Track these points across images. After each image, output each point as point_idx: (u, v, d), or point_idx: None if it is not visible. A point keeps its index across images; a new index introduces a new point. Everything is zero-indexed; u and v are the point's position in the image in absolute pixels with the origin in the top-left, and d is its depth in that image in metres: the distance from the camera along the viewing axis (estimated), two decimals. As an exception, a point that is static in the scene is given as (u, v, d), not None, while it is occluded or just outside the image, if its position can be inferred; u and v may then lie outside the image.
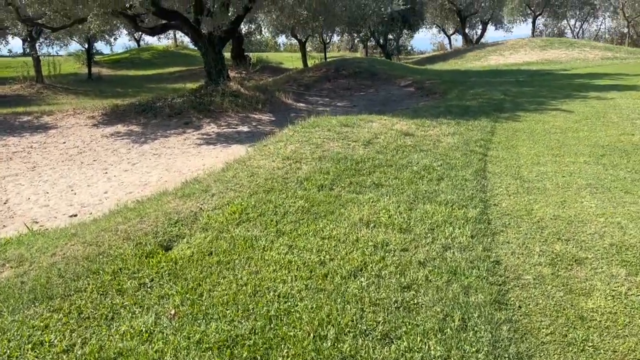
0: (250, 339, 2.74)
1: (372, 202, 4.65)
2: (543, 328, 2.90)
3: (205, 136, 10.83)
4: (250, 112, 12.92)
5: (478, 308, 3.03)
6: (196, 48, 18.55)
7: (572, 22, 43.98)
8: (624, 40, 38.11)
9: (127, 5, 10.79)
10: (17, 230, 5.22)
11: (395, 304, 3.06)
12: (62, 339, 2.79)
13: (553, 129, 7.94)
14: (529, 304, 3.13)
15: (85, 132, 11.55)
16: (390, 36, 34.69)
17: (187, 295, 3.16)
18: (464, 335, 2.80)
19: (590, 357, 2.69)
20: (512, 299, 3.19)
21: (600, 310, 3.06)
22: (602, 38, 43.17)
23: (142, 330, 2.83)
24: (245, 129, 11.46)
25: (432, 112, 9.24)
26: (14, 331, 2.87)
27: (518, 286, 3.33)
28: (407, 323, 2.88)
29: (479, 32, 41.29)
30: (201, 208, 4.53)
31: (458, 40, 43.39)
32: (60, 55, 30.32)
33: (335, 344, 2.70)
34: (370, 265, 3.51)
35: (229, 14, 13.69)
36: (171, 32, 34.88)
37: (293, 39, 30.37)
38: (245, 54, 26.23)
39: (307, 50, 32.06)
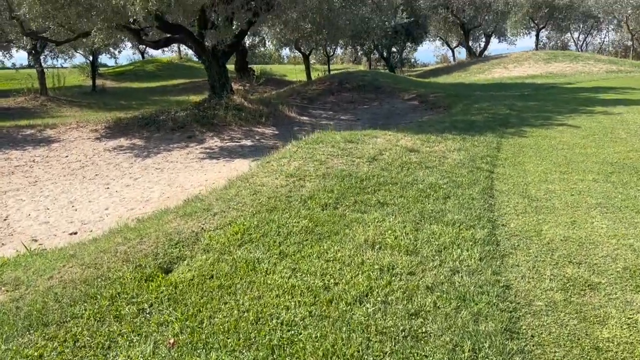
0: (252, 371, 2.63)
1: (378, 222, 4.55)
2: (557, 359, 2.79)
3: (208, 150, 10.77)
4: (254, 126, 12.86)
5: (489, 337, 2.92)
6: (200, 61, 18.56)
7: (575, 35, 44.03)
8: (628, 53, 38.09)
9: (131, 19, 10.78)
10: (16, 249, 5.14)
11: (403, 333, 2.95)
12: (57, 370, 2.69)
13: (560, 144, 7.83)
14: (542, 333, 3.01)
15: (88, 146, 11.50)
16: (393, 49, 34.69)
17: (186, 323, 3.05)
18: (475, 367, 2.68)
19: (607, 392, 2.57)
20: (523, 327, 3.07)
21: (616, 340, 2.94)
22: (606, 51, 43.16)
23: (139, 361, 2.73)
24: (248, 142, 11.40)
25: (437, 127, 9.16)
26: (7, 361, 2.77)
27: (530, 313, 3.21)
28: (415, 354, 2.77)
29: (482, 44, 41.33)
30: (203, 228, 4.44)
31: (461, 53, 43.44)
32: (65, 68, 30.44)
33: (341, 377, 2.59)
34: (376, 290, 3.40)
35: (233, 28, 13.68)
36: (175, 44, 35.02)
37: (297, 51, 30.38)
38: (249, 66, 26.25)
39: (311, 62, 32.11)
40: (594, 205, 5.11)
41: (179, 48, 41.87)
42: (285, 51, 39.91)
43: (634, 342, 2.92)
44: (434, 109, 13.92)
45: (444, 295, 3.35)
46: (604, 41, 44.81)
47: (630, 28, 36.74)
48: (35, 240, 5.70)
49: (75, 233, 5.94)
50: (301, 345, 2.83)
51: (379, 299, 3.30)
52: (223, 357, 2.73)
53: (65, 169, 9.57)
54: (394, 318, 3.09)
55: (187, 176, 8.57)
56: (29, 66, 26.72)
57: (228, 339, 2.90)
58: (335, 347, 2.81)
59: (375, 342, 2.87)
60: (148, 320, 3.11)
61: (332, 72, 28.42)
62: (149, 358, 2.74)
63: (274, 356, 2.74)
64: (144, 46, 29.84)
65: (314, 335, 2.91)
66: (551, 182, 5.97)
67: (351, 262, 3.79)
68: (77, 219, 6.54)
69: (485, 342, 2.87)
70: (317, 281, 3.50)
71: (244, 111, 13.36)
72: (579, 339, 2.94)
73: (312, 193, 5.20)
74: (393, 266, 3.71)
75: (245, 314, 3.14)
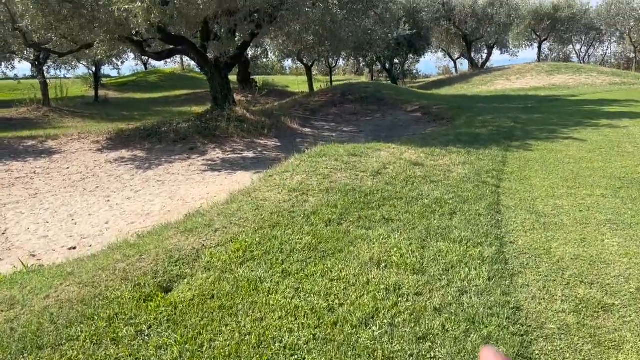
0: (254, 400, 2.52)
1: (383, 238, 4.44)
2: (572, 388, 2.67)
3: (210, 162, 10.68)
4: (256, 138, 12.79)
5: (500, 363, 2.79)
6: (202, 72, 18.56)
7: (577, 47, 44.05)
8: (631, 65, 38.07)
9: (134, 31, 10.75)
10: (13, 265, 5.03)
11: (411, 358, 2.83)
12: (50, 397, 2.58)
13: (566, 158, 7.73)
14: (556, 359, 2.89)
15: (89, 158, 11.43)
16: (396, 60, 34.76)
17: (186, 346, 2.94)
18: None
19: None
20: (536, 352, 2.95)
21: (633, 366, 2.82)
22: (608, 63, 43.16)
23: (136, 388, 2.62)
24: (250, 154, 11.31)
25: (441, 140, 9.07)
26: (-2, 387, 2.67)
27: (542, 337, 3.09)
28: (425, 381, 2.65)
29: (485, 56, 41.35)
30: (204, 245, 4.33)
31: (464, 64, 43.52)
32: (68, 78, 30.48)
33: (347, 406, 2.47)
34: (383, 311, 3.28)
35: (236, 40, 13.66)
36: (178, 56, 35.09)
37: (299, 62, 30.40)
38: (251, 77, 26.27)
39: (313, 73, 32.12)
40: (603, 222, 5.00)
41: (181, 59, 41.99)
42: (288, 62, 40.02)
43: (651, 368, 2.81)
44: (437, 121, 13.85)
45: (453, 318, 3.23)
46: (606, 53, 44.84)
47: (633, 40, 36.76)
48: (34, 255, 5.60)
49: (74, 248, 5.84)
50: (305, 371, 2.72)
51: (385, 321, 3.19)
52: (224, 384, 2.62)
53: (66, 181, 9.49)
54: (401, 342, 2.98)
55: (189, 189, 8.47)
56: (32, 77, 26.76)
57: (229, 364, 2.79)
58: (341, 373, 2.70)
59: (383, 368, 2.75)
60: (146, 343, 3.00)
61: (334, 84, 28.41)
62: (146, 385, 2.63)
63: (277, 383, 2.63)
64: (147, 57, 29.90)
65: (318, 361, 2.80)
66: (559, 197, 5.86)
67: (356, 281, 3.68)
68: (76, 233, 6.44)
69: (497, 369, 2.75)
70: (321, 302, 3.39)
71: (246, 123, 13.29)
72: (594, 366, 2.83)
73: (316, 208, 5.10)
74: (399, 286, 3.60)
75: (247, 337, 3.03)
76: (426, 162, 7.21)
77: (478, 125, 11.39)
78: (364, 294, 3.49)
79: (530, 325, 3.21)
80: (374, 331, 3.08)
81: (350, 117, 15.83)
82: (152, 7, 9.16)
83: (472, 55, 39.64)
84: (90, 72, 27.89)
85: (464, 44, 38.37)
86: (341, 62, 39.18)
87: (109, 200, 8.02)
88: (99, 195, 8.40)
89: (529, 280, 3.82)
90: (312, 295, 3.48)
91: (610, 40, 42.41)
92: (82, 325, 3.19)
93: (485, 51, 41.14)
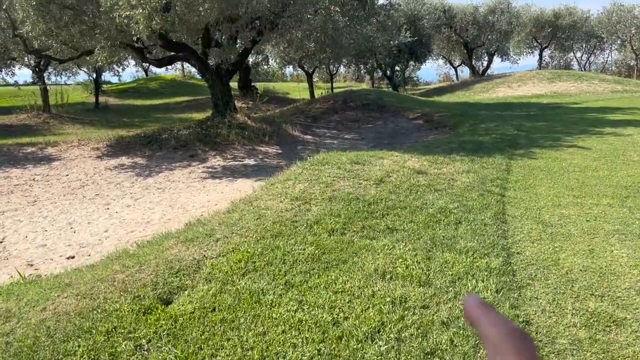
0: (257, 419, 2.42)
1: (387, 249, 4.35)
2: (587, 407, 2.57)
3: (210, 169, 10.60)
4: (257, 145, 12.71)
5: (512, 381, 2.70)
6: (203, 79, 18.52)
7: (578, 54, 44.06)
8: (632, 73, 38.04)
9: (135, 38, 10.70)
10: (10, 275, 4.93)
11: (419, 375, 2.74)
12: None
13: (571, 167, 7.65)
14: (568, 376, 2.80)
15: (89, 165, 11.35)
16: (397, 67, 34.76)
17: (186, 362, 2.85)
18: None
19: None
20: (548, 369, 2.86)
21: (649, 384, 2.73)
22: (609, 70, 43.13)
23: (135, 406, 2.52)
24: (251, 162, 11.23)
25: (444, 148, 8.99)
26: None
27: (553, 352, 3.00)
28: (434, 400, 2.56)
29: (485, 63, 41.39)
30: (205, 255, 4.24)
31: (464, 72, 43.52)
32: (69, 85, 30.47)
33: None
34: (389, 325, 3.19)
35: (237, 47, 13.62)
36: (179, 62, 35.09)
37: (300, 69, 30.40)
38: (252, 84, 26.24)
39: (314, 80, 32.11)
40: (611, 232, 4.91)
41: (182, 66, 41.97)
42: (289, 69, 40.01)
43: (668, 386, 2.71)
44: (439, 129, 13.78)
45: (461, 332, 3.14)
46: (607, 60, 44.80)
47: (634, 48, 36.75)
48: (31, 265, 5.50)
49: (73, 257, 5.74)
50: (310, 389, 2.63)
51: (391, 335, 3.09)
52: (225, 403, 2.52)
53: (66, 188, 9.40)
54: (409, 357, 2.89)
55: (189, 196, 8.39)
56: (33, 83, 26.73)
57: (231, 381, 2.69)
58: (347, 391, 2.60)
59: (390, 385, 2.66)
60: (146, 359, 2.91)
61: (335, 91, 28.38)
62: (145, 403, 2.54)
63: (281, 402, 2.54)
64: (148, 64, 29.90)
65: (323, 378, 2.71)
66: (565, 206, 5.77)
67: (361, 293, 3.59)
68: (75, 242, 6.35)
69: (508, 387, 2.65)
70: (325, 315, 3.30)
71: (247, 130, 13.22)
72: (609, 383, 2.73)
73: (319, 218, 5.01)
74: (405, 299, 3.51)
75: (250, 352, 2.94)
76: (430, 171, 7.13)
77: (481, 133, 11.32)
78: (369, 307, 3.40)
79: (540, 340, 3.12)
80: (380, 346, 2.99)
81: (351, 124, 15.76)
82: (154, 14, 9.11)
83: (473, 63, 39.68)
84: (91, 78, 27.87)
85: (465, 51, 38.42)
86: (342, 69, 39.22)
87: (108, 208, 7.93)
88: (98, 203, 8.31)
89: (538, 292, 3.73)
90: (316, 308, 3.39)
91: (611, 48, 42.40)
92: (79, 339, 3.09)
93: (486, 58, 41.20)
